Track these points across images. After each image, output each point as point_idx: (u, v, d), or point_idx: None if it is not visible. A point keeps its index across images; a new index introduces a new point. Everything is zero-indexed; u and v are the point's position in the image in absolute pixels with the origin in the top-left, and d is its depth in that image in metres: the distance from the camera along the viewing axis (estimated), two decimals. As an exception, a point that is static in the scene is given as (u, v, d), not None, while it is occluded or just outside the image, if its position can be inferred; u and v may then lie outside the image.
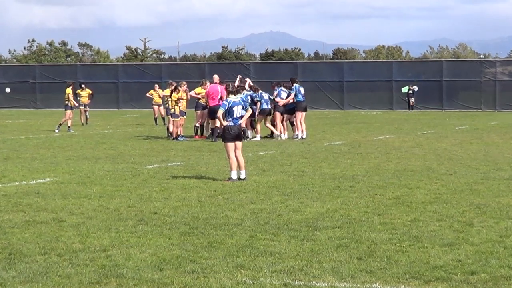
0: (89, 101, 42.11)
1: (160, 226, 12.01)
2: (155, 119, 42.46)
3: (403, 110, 62.77)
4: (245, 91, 30.13)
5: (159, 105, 42.84)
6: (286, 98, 30.57)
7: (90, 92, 42.34)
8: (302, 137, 29.99)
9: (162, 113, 42.42)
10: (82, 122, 40.93)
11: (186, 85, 32.15)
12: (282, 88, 31.02)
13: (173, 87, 30.75)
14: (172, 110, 30.44)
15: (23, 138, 31.47)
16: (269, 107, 30.67)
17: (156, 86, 44.76)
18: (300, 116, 30.38)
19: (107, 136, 32.81)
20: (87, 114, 41.74)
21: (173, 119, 30.45)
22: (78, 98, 40.93)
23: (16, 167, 20.32)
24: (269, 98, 30.95)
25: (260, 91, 31.04)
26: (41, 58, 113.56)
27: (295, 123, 30.66)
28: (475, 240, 10.87)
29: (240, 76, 33.23)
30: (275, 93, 30.88)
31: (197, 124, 31.10)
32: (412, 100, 63.18)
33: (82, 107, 41.31)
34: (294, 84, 30.85)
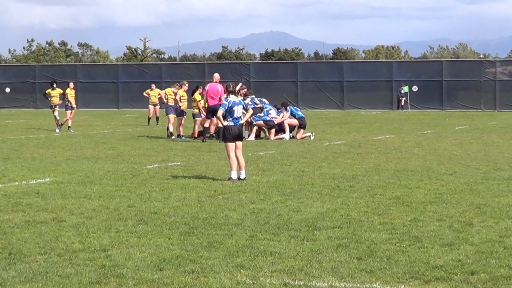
0: (60, 101, 37.84)
1: (160, 226, 12.01)
2: (149, 119, 42.25)
3: (403, 110, 62.82)
4: (249, 97, 30.43)
5: (155, 105, 42.81)
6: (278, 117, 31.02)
7: (61, 92, 38.07)
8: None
9: (157, 113, 42.47)
10: (60, 123, 37.08)
11: (187, 85, 32.25)
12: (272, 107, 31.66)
13: (193, 87, 31.00)
14: (196, 110, 30.50)
15: (23, 138, 31.47)
16: (273, 120, 30.65)
17: (153, 85, 44.69)
18: (301, 131, 30.79)
19: (107, 136, 32.81)
20: (55, 114, 37.37)
21: (195, 119, 30.54)
22: (49, 98, 38.00)
23: (16, 167, 20.32)
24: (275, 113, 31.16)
25: (265, 103, 31.46)
26: (40, 58, 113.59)
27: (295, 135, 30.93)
28: (475, 240, 10.87)
29: (241, 84, 33.43)
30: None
31: (206, 125, 30.67)
32: (402, 100, 63.32)
33: (57, 108, 37.67)
34: (288, 107, 31.53)
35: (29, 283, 8.77)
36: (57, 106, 37.78)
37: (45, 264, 9.63)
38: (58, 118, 37.48)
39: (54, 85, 38.21)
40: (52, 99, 37.85)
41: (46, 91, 38.30)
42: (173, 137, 31.00)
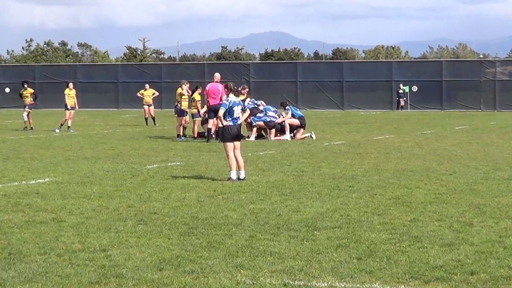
0: (32, 102, 37.55)
1: (159, 226, 12.01)
2: (146, 119, 42.27)
3: (402, 110, 62.81)
4: (248, 98, 30.51)
5: (149, 105, 42.82)
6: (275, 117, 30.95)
7: (32, 91, 37.93)
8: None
9: (153, 113, 42.47)
10: (30, 125, 36.83)
11: (188, 85, 32.24)
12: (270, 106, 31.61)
13: (193, 87, 30.98)
14: (195, 110, 30.50)
15: (23, 138, 31.47)
16: (272, 120, 30.64)
17: (147, 85, 44.73)
18: (301, 131, 30.75)
19: (107, 136, 32.81)
20: (24, 115, 37.03)
21: (194, 119, 30.55)
22: (23, 99, 37.56)
23: (15, 167, 20.31)
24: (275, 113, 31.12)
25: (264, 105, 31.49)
26: (37, 58, 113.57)
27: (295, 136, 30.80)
28: (474, 240, 10.87)
29: (243, 85, 33.40)
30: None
31: (209, 126, 30.36)
32: (402, 101, 63.23)
33: (27, 109, 37.03)
34: (287, 107, 31.46)
35: (29, 283, 8.77)
36: (27, 107, 37.15)
37: (44, 264, 9.63)
38: (25, 119, 36.83)
39: (25, 85, 37.86)
40: (24, 99, 37.50)
41: (20, 92, 38.05)
42: (181, 138, 30.71)
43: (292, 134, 30.69)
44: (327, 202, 14.33)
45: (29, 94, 37.65)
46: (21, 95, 37.80)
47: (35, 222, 12.39)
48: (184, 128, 31.69)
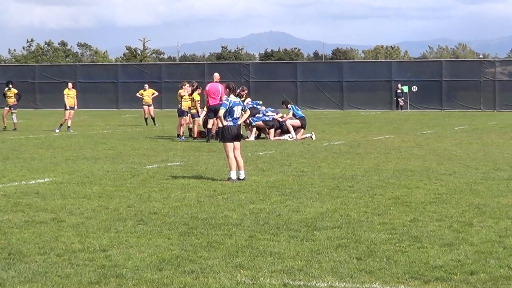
0: (16, 102, 37.02)
1: (159, 226, 12.01)
2: (146, 119, 42.24)
3: (402, 110, 62.80)
4: (248, 99, 30.56)
5: (149, 105, 42.80)
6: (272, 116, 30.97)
7: (16, 92, 37.21)
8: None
9: (152, 113, 42.45)
10: (4, 125, 36.78)
11: (188, 85, 32.19)
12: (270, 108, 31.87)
13: (194, 87, 30.89)
14: (194, 110, 30.47)
15: (23, 138, 31.46)
16: (271, 118, 30.68)
17: (146, 85, 44.71)
18: (301, 131, 30.73)
19: (107, 136, 32.81)
20: (13, 117, 36.57)
21: (193, 119, 30.50)
22: (6, 99, 37.25)
23: (15, 167, 20.31)
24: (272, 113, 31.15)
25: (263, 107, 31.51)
26: (38, 58, 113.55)
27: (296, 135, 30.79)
28: (474, 240, 10.87)
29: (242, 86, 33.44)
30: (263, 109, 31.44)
31: (209, 126, 30.22)
32: (401, 100, 63.13)
33: (6, 108, 36.95)
34: (289, 105, 31.40)
35: (29, 283, 8.77)
36: (13, 108, 36.88)
37: (44, 264, 9.63)
38: (15, 121, 36.55)
39: (10, 86, 37.58)
40: (7, 99, 37.19)
41: (4, 91, 37.82)
42: (181, 138, 30.59)
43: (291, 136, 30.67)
44: (327, 202, 14.33)
45: (13, 95, 37.22)
46: (4, 95, 37.54)
47: (35, 222, 12.40)
48: (190, 129, 31.60)
